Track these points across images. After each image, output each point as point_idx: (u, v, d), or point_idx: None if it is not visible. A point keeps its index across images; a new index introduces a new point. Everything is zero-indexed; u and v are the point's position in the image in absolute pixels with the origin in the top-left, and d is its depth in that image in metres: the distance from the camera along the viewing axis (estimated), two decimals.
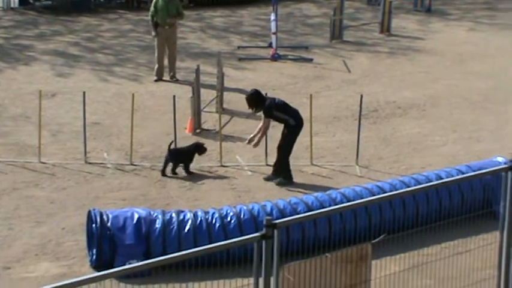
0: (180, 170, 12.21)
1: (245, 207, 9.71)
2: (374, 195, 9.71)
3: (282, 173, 11.98)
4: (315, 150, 12.90)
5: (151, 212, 9.60)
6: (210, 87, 15.89)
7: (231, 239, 6.36)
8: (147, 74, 17.56)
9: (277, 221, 6.03)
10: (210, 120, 14.60)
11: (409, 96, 16.27)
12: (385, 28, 21.58)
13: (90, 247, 9.59)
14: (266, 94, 12.40)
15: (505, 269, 7.16)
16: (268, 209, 9.67)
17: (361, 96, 13.00)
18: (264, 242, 5.93)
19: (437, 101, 16.13)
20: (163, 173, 12.14)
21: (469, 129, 14.53)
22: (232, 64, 18.30)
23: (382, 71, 18.25)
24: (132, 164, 12.65)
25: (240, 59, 18.79)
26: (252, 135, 12.16)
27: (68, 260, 9.66)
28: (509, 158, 7.14)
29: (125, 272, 5.69)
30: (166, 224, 9.40)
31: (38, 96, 13.19)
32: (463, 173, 10.41)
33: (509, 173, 7.05)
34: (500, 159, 10.89)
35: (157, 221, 9.42)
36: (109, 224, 9.36)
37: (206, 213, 9.61)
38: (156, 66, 17.23)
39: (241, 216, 9.53)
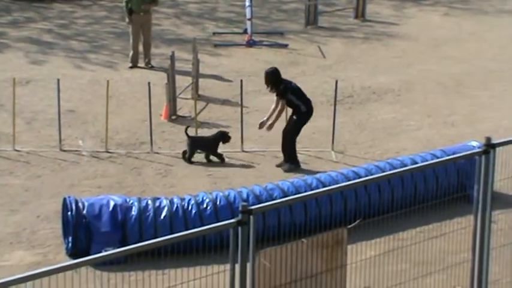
0: (199, 158, 12.18)
1: (221, 194, 9.72)
2: (349, 180, 9.74)
3: (289, 159, 11.96)
4: None
5: (127, 199, 9.58)
6: (185, 73, 15.85)
7: (207, 225, 6.35)
8: (122, 61, 17.48)
9: (253, 207, 6.04)
10: (185, 106, 14.57)
11: (384, 82, 16.33)
12: (360, 13, 21.60)
13: (65, 235, 9.56)
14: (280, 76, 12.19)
15: (479, 252, 7.21)
16: (244, 195, 9.68)
17: (336, 82, 13.02)
18: (240, 228, 5.94)
19: (412, 86, 16.19)
20: (190, 161, 12.11)
21: (444, 113, 14.60)
22: (207, 50, 18.25)
23: (357, 56, 18.28)
24: (107, 151, 12.61)
25: (215, 45, 18.74)
26: (263, 119, 12.12)
27: (43, 248, 9.62)
28: (483, 142, 7.18)
29: (101, 259, 5.68)
30: (142, 211, 9.39)
31: (11, 83, 13.10)
32: (437, 158, 10.46)
33: (483, 157, 7.09)
34: (474, 143, 10.96)
35: (133, 208, 9.41)
36: (84, 212, 9.34)
37: (182, 200, 9.61)
38: (131, 52, 17.15)
39: (218, 202, 9.54)
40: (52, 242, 9.72)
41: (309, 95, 12.25)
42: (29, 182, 11.51)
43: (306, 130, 12.64)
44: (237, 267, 5.98)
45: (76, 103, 14.81)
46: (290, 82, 12.18)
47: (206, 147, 12.23)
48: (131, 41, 17.13)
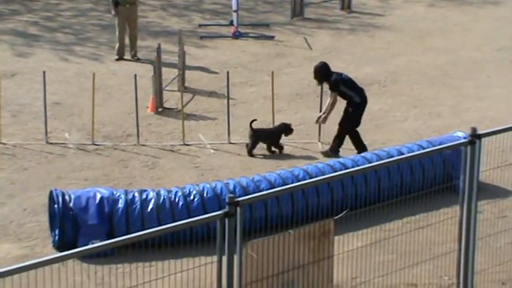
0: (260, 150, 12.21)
1: (208, 186, 9.72)
2: (336, 171, 9.76)
3: (333, 146, 12.01)
4: None
5: (114, 192, 9.57)
6: (172, 65, 15.84)
7: (194, 217, 6.36)
8: (108, 53, 17.43)
9: (240, 199, 6.05)
10: (172, 98, 14.56)
11: (370, 73, 16.35)
12: (346, 5, 21.61)
13: (52, 228, 9.54)
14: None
15: (465, 242, 7.25)
16: (231, 187, 9.69)
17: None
18: (227, 220, 5.95)
19: (398, 77, 16.23)
20: (251, 153, 12.13)
21: (429, 104, 14.65)
22: (193, 42, 18.23)
23: (343, 47, 18.30)
24: (94, 144, 12.59)
25: (202, 37, 18.72)
26: (320, 114, 12.18)
27: (30, 241, 9.61)
28: (468, 133, 7.21)
29: (88, 252, 5.68)
30: (129, 203, 9.38)
31: None
32: (423, 148, 10.50)
33: (469, 147, 7.13)
34: (460, 134, 11.00)
35: (120, 200, 9.40)
36: (71, 204, 9.32)
37: (169, 192, 9.61)
38: (117, 45, 17.11)
39: (205, 194, 9.55)
40: (39, 235, 9.70)
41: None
42: (15, 175, 11.49)
43: (292, 121, 12.66)
44: (224, 258, 5.99)
45: (62, 96, 14.77)
46: (341, 74, 12.16)
47: (270, 139, 12.30)
48: (117, 33, 17.08)
